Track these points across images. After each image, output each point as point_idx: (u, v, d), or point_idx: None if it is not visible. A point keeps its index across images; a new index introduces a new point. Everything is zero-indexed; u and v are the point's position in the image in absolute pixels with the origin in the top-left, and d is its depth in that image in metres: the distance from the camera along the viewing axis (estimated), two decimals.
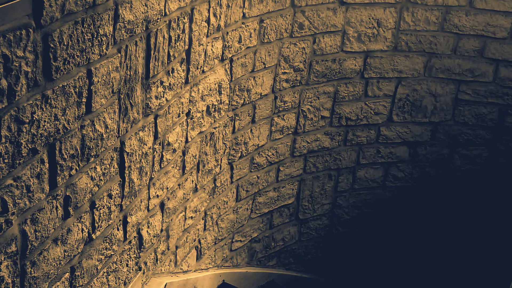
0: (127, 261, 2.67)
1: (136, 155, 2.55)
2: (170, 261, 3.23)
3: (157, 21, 2.51)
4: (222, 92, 3.36)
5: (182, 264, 3.41)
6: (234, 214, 3.93)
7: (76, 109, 2.02)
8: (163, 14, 2.55)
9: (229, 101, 3.47)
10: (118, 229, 2.52)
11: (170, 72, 2.73)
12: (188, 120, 3.05)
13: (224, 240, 3.91)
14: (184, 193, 3.19)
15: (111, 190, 2.38)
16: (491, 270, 4.82)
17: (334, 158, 4.39)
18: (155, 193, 2.83)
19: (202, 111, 3.19)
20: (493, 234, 4.86)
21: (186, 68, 2.90)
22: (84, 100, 2.06)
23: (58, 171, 1.98)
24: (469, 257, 4.88)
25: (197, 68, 3.02)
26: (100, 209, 2.32)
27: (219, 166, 3.57)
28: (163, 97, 2.71)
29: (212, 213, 3.64)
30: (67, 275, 2.16)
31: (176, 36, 2.72)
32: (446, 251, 4.93)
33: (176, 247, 3.27)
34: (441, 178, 4.76)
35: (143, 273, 2.89)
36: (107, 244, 2.44)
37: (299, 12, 3.80)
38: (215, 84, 3.26)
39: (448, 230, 4.91)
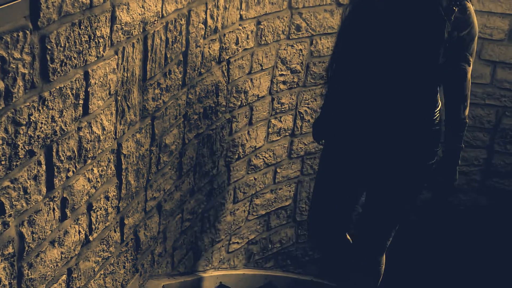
0: (124, 263, 2.67)
1: (133, 157, 2.55)
2: (167, 263, 3.23)
3: (154, 23, 2.51)
4: (219, 94, 3.36)
5: (179, 266, 3.41)
6: (231, 216, 3.93)
7: (73, 111, 2.02)
8: (160, 16, 2.55)
9: (226, 103, 3.47)
10: (115, 231, 2.52)
11: (167, 74, 2.73)
12: (185, 122, 3.05)
13: (221, 242, 3.91)
14: (181, 195, 3.19)
15: (108, 192, 2.38)
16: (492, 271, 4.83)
17: None
18: (152, 195, 2.83)
19: (199, 113, 3.19)
20: (493, 234, 4.87)
21: (183, 70, 2.90)
22: (81, 102, 2.06)
23: (55, 173, 1.98)
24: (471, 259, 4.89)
25: (194, 70, 3.02)
26: (97, 211, 2.32)
27: (216, 168, 3.57)
28: (160, 99, 2.71)
29: (209, 215, 3.64)
30: (64, 277, 2.16)
31: (173, 38, 2.72)
32: (445, 252, 4.93)
33: (173, 249, 3.27)
34: None
35: (140, 275, 2.89)
36: (104, 246, 2.44)
37: (296, 14, 3.80)
38: (212, 86, 3.26)
39: (446, 231, 4.91)
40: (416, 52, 2.83)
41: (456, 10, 2.77)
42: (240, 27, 3.40)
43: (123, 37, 2.27)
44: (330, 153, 3.24)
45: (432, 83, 2.95)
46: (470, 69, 2.92)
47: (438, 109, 3.01)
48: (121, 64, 2.30)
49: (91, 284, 2.38)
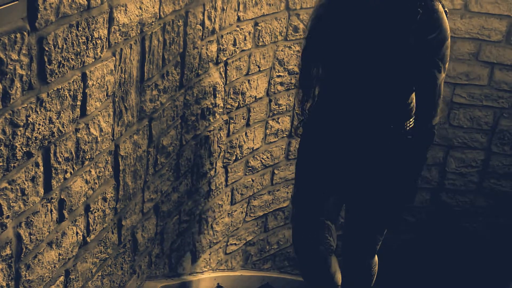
0: (122, 264, 2.67)
1: (130, 158, 2.55)
2: (165, 264, 3.22)
3: (152, 24, 2.51)
4: (217, 95, 3.36)
5: (177, 267, 3.40)
6: (229, 218, 3.93)
7: (71, 112, 2.02)
8: (158, 17, 2.55)
9: (223, 104, 3.47)
10: (112, 232, 2.52)
11: (164, 75, 2.73)
12: (183, 124, 3.05)
13: (219, 244, 3.91)
14: (178, 196, 3.19)
15: (105, 194, 2.38)
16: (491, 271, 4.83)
17: None
18: (150, 196, 2.83)
19: (197, 114, 3.19)
20: (490, 234, 4.87)
21: (181, 71, 2.90)
22: (78, 103, 2.06)
23: (53, 175, 1.98)
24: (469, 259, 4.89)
25: (192, 71, 3.02)
26: (95, 212, 2.32)
27: (213, 170, 3.57)
28: (158, 100, 2.71)
29: (207, 216, 3.64)
30: (61, 278, 2.15)
31: (171, 39, 2.72)
32: (442, 253, 4.93)
33: (171, 251, 3.26)
34: (436, 180, 4.77)
35: (138, 276, 2.88)
36: (102, 247, 2.44)
37: (293, 15, 3.80)
38: (209, 87, 3.26)
39: (443, 232, 4.91)
40: (385, 55, 2.70)
41: (421, 11, 2.61)
42: (238, 29, 3.41)
43: (120, 39, 2.27)
44: (308, 161, 3.10)
45: (404, 89, 2.83)
46: (441, 76, 2.74)
47: (413, 116, 2.89)
48: (119, 65, 2.30)
49: (88, 286, 2.38)
